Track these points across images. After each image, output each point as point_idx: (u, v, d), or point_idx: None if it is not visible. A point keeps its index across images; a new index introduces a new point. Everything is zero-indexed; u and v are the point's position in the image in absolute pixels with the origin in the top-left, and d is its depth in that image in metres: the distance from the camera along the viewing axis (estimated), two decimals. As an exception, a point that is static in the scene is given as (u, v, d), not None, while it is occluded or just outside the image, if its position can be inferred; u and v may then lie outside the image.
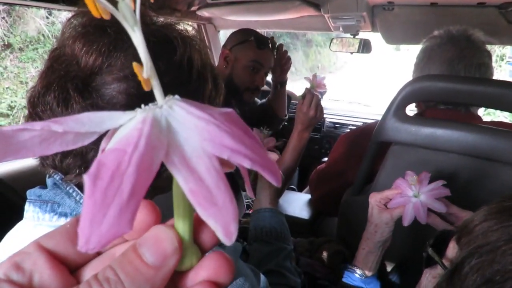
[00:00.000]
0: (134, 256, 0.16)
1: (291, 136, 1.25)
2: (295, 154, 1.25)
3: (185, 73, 0.43)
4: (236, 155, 0.14)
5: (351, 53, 1.77)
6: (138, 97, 0.40)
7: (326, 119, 2.00)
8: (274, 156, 1.95)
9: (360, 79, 11.07)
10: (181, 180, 0.15)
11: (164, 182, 0.53)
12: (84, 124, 0.15)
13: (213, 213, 0.14)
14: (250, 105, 1.43)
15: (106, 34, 0.40)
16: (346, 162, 1.11)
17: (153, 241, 0.16)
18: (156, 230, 0.16)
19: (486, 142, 0.80)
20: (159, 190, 0.55)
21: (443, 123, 0.84)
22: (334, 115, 2.00)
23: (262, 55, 1.35)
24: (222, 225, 0.14)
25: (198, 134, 0.15)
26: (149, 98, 0.42)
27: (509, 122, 0.99)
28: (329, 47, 1.83)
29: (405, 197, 0.70)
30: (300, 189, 1.77)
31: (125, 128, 0.16)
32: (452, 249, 0.42)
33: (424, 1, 1.33)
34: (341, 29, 1.68)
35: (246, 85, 1.35)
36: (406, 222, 0.69)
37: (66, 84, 0.39)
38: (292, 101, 2.14)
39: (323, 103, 2.22)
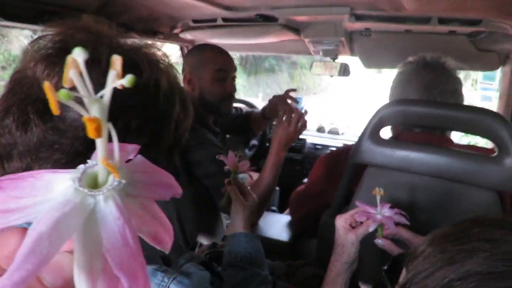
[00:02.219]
0: (35, 281, 0.16)
1: (268, 154, 1.26)
2: (273, 172, 1.26)
3: (152, 96, 0.44)
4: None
5: (331, 76, 1.81)
6: None
7: (307, 140, 2.03)
8: (256, 176, 1.95)
9: (343, 100, 11.29)
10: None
11: None
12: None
13: None
14: (228, 115, 1.43)
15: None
16: (324, 183, 1.12)
17: (54, 266, 0.16)
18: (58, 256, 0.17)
19: (458, 165, 0.82)
20: None
21: (416, 146, 0.87)
22: (315, 136, 2.03)
23: (222, 61, 1.34)
24: None
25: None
26: (111, 120, 0.42)
27: (480, 146, 1.02)
28: (310, 70, 1.87)
29: (370, 213, 0.71)
30: (281, 210, 1.77)
31: (49, 203, 0.16)
32: (403, 274, 0.42)
33: (399, 28, 1.39)
34: (321, 53, 1.73)
35: (220, 97, 1.32)
36: (371, 228, 0.70)
37: (26, 107, 0.38)
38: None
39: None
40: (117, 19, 1.40)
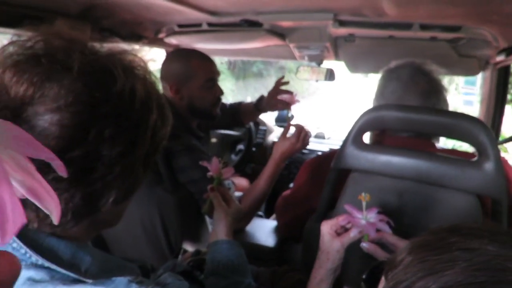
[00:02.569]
0: None
1: (268, 164, 1.27)
2: (270, 182, 1.27)
3: (127, 103, 0.43)
4: None
5: (316, 80, 1.82)
6: (72, 129, 0.39)
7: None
8: (244, 182, 1.94)
9: (331, 104, 11.37)
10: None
11: (110, 216, 0.51)
12: None
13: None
14: (218, 117, 1.43)
15: (39, 64, 0.39)
16: (310, 188, 1.12)
17: None
18: None
19: (439, 169, 0.83)
20: (107, 224, 0.53)
21: (399, 151, 0.87)
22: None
23: (210, 70, 1.33)
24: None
25: None
26: (84, 129, 0.41)
27: (462, 150, 1.03)
28: (295, 75, 1.88)
29: (355, 218, 0.71)
30: (267, 215, 1.76)
31: None
32: (382, 283, 0.42)
33: (382, 34, 1.41)
34: (306, 58, 1.74)
35: (211, 103, 1.33)
36: (352, 233, 0.70)
37: None
38: (260, 127, 2.16)
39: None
40: (101, 24, 1.38)
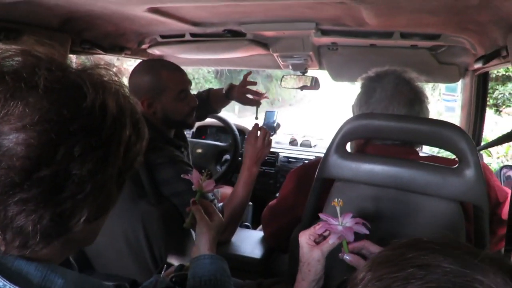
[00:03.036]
0: None
1: (241, 171, 1.26)
2: (246, 188, 1.26)
3: (97, 120, 0.41)
4: None
5: (301, 89, 1.83)
6: (39, 148, 0.37)
7: (279, 153, 2.03)
8: (228, 190, 1.93)
9: (318, 112, 11.46)
10: None
11: (83, 235, 0.50)
12: None
13: None
14: (194, 124, 1.42)
15: (3, 81, 0.38)
16: (295, 198, 1.11)
17: None
18: None
19: (421, 177, 0.83)
20: (81, 243, 0.52)
21: (381, 159, 0.87)
22: (288, 149, 2.03)
23: (182, 82, 1.27)
24: None
25: None
26: (52, 148, 0.39)
27: (444, 157, 1.04)
28: (280, 84, 1.89)
29: (332, 225, 0.70)
30: (254, 226, 1.75)
31: None
32: None
33: (364, 43, 1.43)
34: (290, 67, 1.75)
35: (185, 114, 1.29)
36: (331, 240, 0.69)
37: None
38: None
39: (277, 137, 2.27)
40: (81, 36, 1.36)
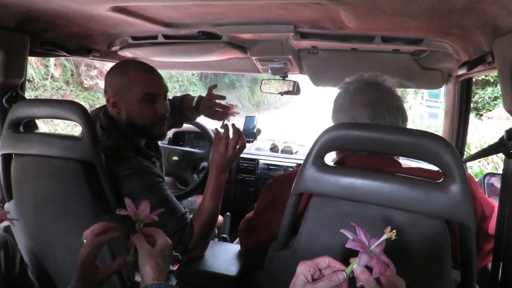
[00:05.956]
0: None
1: (207, 182, 1.18)
2: (215, 198, 1.18)
3: None
4: None
5: (281, 94, 1.77)
6: None
7: (260, 160, 1.96)
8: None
9: (303, 114, 11.47)
10: None
11: None
12: None
13: None
14: (163, 137, 1.31)
15: None
16: (271, 212, 1.04)
17: None
18: None
19: (403, 193, 0.77)
20: None
21: (361, 173, 0.81)
22: (268, 156, 1.96)
23: (149, 84, 1.17)
24: None
25: None
26: None
27: (427, 169, 0.99)
28: (260, 89, 1.82)
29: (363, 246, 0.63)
30: (233, 237, 1.67)
31: None
32: None
33: (345, 47, 1.37)
34: (269, 71, 1.68)
35: (150, 120, 1.19)
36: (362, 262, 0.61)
37: None
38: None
39: (258, 143, 2.20)
40: (42, 37, 1.27)
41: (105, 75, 1.21)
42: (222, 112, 1.46)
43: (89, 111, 1.08)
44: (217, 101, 1.49)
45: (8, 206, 1.21)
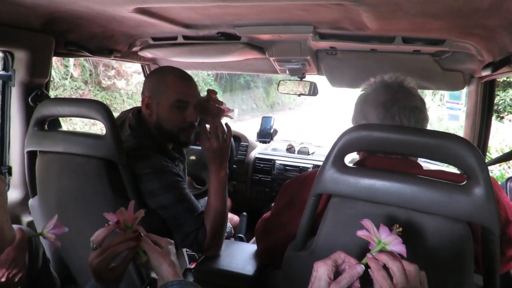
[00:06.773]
0: None
1: (209, 179, 1.21)
2: (220, 195, 1.19)
3: None
4: None
5: (299, 95, 1.77)
6: None
7: (276, 161, 1.96)
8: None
9: (318, 116, 11.40)
10: None
11: None
12: None
13: None
14: (189, 145, 1.33)
15: None
16: (288, 213, 1.04)
17: None
18: None
19: (425, 195, 0.76)
20: None
21: (382, 174, 0.80)
22: (285, 156, 1.96)
23: (183, 91, 1.20)
24: None
25: None
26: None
27: (449, 171, 0.97)
28: (277, 89, 1.82)
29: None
30: (250, 237, 1.67)
31: None
32: None
33: (364, 47, 1.36)
34: (287, 72, 1.68)
35: (178, 126, 1.21)
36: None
37: None
38: (241, 143, 2.08)
39: (274, 144, 2.20)
40: (65, 38, 1.30)
41: (145, 77, 1.28)
42: (215, 114, 1.45)
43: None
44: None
45: (32, 202, 1.24)
